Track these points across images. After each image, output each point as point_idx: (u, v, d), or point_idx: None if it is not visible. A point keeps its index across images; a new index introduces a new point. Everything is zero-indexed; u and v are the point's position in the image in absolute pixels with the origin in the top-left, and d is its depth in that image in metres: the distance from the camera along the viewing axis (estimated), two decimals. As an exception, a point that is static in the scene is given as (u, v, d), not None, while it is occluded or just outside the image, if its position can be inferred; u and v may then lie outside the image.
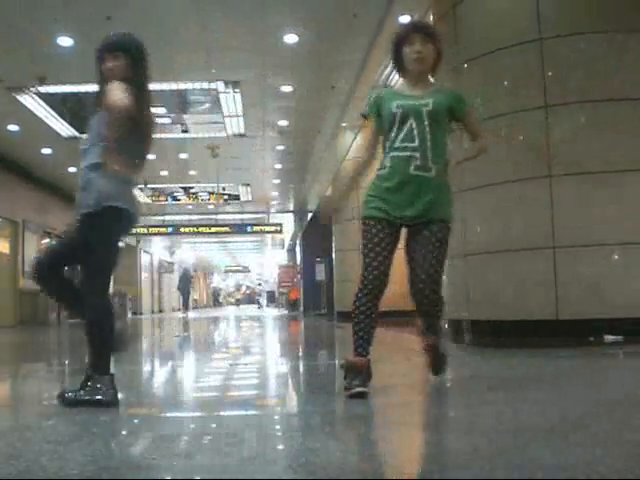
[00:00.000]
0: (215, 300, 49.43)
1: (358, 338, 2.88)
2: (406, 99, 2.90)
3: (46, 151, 13.59)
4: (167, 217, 20.56)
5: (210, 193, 18.02)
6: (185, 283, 22.80)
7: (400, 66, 3.01)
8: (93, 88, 11.03)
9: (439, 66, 3.03)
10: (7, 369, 4.82)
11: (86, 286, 2.77)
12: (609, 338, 4.81)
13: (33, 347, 7.90)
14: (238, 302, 51.19)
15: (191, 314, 22.20)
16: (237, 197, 19.28)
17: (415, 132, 2.83)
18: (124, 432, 2.28)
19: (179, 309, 32.89)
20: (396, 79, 9.89)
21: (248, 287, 62.91)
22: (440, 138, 2.88)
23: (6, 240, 14.56)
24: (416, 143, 2.83)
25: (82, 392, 2.66)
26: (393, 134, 2.89)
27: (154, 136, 2.98)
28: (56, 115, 11.25)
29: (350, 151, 13.42)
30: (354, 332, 2.89)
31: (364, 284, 2.86)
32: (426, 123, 2.83)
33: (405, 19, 7.71)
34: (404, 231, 2.99)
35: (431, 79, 3.08)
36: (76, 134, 12.30)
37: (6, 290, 14.10)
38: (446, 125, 2.96)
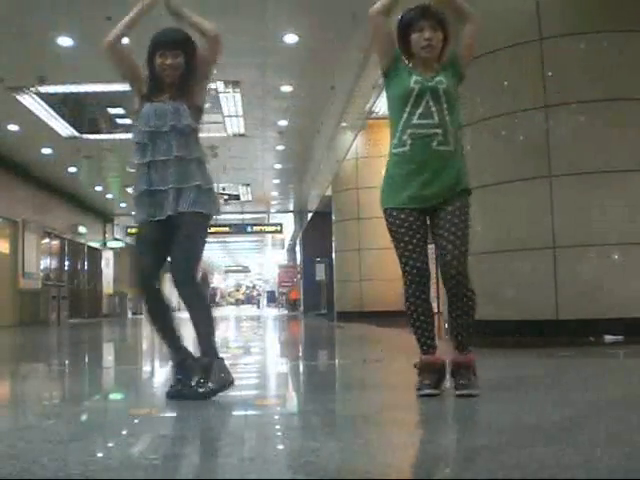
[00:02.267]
0: (211, 300, 49.19)
1: (420, 336, 2.81)
2: (421, 76, 2.79)
3: (46, 151, 13.59)
4: (167, 217, 20.50)
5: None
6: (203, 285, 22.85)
7: (407, 51, 2.91)
8: (93, 88, 10.98)
9: (446, 51, 2.93)
10: (7, 369, 4.82)
11: (187, 277, 2.77)
12: (609, 338, 4.81)
13: (33, 347, 7.90)
14: (238, 302, 51.01)
15: (187, 314, 22.16)
16: (237, 197, 19.28)
17: (433, 109, 2.73)
18: (124, 432, 2.27)
19: (179, 309, 32.76)
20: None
21: (248, 287, 62.90)
22: (456, 110, 2.82)
23: (6, 240, 14.55)
24: (436, 120, 2.74)
25: (211, 384, 2.64)
26: (407, 110, 2.76)
27: None
28: (56, 115, 11.24)
29: (350, 151, 13.45)
30: (414, 331, 2.82)
31: (410, 280, 2.77)
32: (443, 100, 2.75)
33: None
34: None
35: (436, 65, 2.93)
36: (76, 134, 12.31)
37: (6, 290, 14.10)
38: (458, 94, 2.88)
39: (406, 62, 2.92)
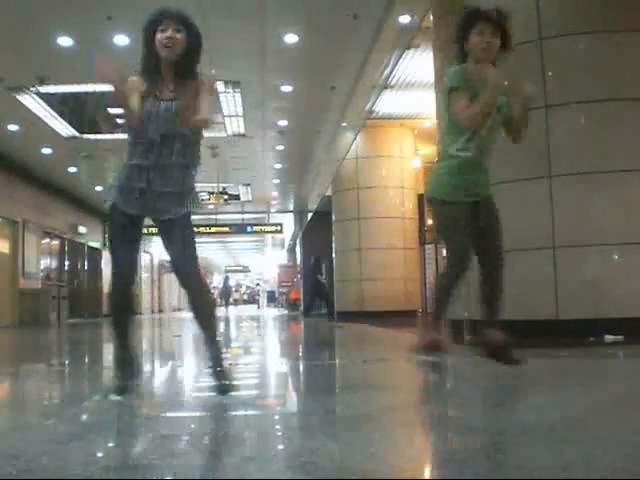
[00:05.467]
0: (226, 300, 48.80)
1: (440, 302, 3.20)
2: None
3: (46, 151, 13.59)
4: (167, 217, 20.50)
5: (210, 193, 18.01)
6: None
7: (463, 52, 3.03)
8: (93, 88, 10.96)
9: (502, 54, 3.10)
10: (7, 369, 4.82)
11: (196, 269, 2.85)
12: (609, 338, 4.81)
13: (33, 347, 7.90)
14: (236, 302, 50.80)
15: (188, 314, 22.22)
16: (237, 197, 19.27)
17: (488, 124, 2.99)
18: (124, 432, 2.27)
19: (179, 309, 32.86)
20: (395, 79, 9.89)
21: (249, 287, 62.79)
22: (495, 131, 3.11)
23: (6, 240, 14.55)
24: (479, 143, 3.04)
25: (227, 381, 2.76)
26: (466, 134, 2.99)
27: None
28: (56, 115, 11.25)
29: (350, 151, 13.45)
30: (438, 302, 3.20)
31: (460, 261, 3.13)
32: (496, 119, 3.01)
33: (405, 19, 7.71)
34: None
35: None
36: (76, 134, 12.31)
37: (6, 290, 14.10)
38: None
39: (469, 71, 3.01)
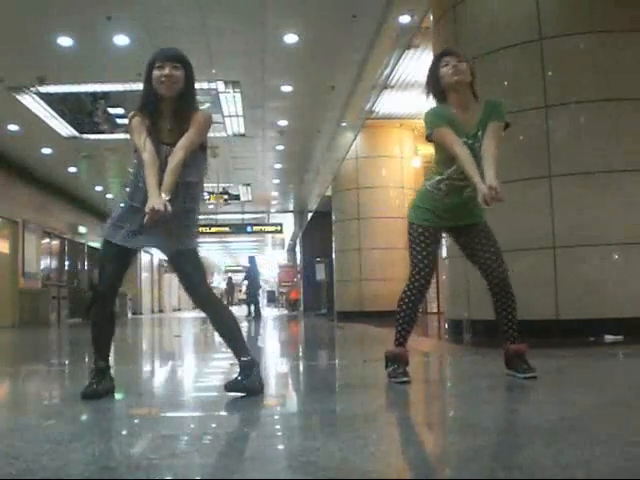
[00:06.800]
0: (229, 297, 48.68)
1: (400, 328, 3.22)
2: (466, 137, 3.05)
3: (46, 151, 13.59)
4: (167, 217, 20.49)
5: (210, 193, 18.01)
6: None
7: (440, 91, 3.15)
8: (93, 88, 10.96)
9: (476, 86, 3.18)
10: (7, 369, 4.82)
11: (208, 291, 2.99)
12: (609, 338, 4.82)
13: (33, 347, 7.90)
14: (242, 302, 50.54)
15: (188, 314, 22.15)
16: (237, 197, 19.27)
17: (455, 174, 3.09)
18: (124, 432, 2.28)
19: (179, 309, 32.85)
20: (395, 79, 9.90)
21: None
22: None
23: (6, 240, 14.55)
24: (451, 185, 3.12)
25: (246, 381, 2.79)
26: (452, 166, 3.08)
27: None
28: (56, 115, 11.25)
29: (350, 151, 13.45)
30: (398, 325, 3.22)
31: (417, 280, 3.18)
32: (478, 158, 3.05)
33: (405, 19, 7.71)
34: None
35: (473, 101, 3.17)
36: (76, 134, 12.31)
37: (6, 290, 14.11)
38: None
39: (449, 111, 3.11)
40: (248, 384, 2.79)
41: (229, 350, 2.96)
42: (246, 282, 17.00)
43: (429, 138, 3.14)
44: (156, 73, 2.76)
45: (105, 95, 10.51)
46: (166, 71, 2.74)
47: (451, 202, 3.15)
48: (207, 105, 11.42)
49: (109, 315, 3.00)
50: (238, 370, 2.86)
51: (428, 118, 3.14)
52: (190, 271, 2.90)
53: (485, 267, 3.19)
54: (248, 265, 17.50)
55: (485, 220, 3.24)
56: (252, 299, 16.60)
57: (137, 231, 2.80)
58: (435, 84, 3.16)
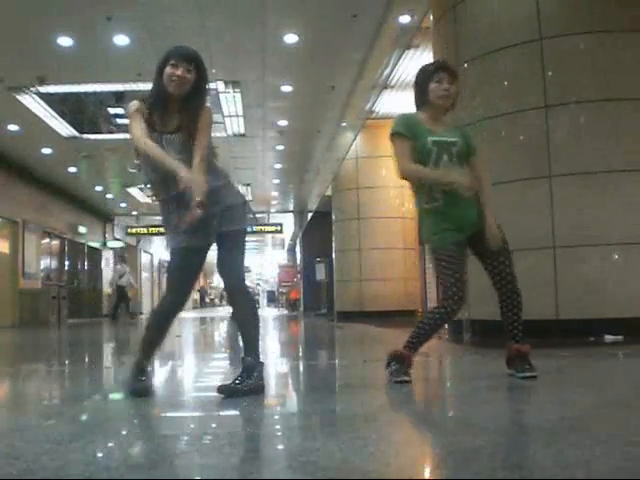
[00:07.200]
0: (202, 300, 48.44)
1: (421, 338, 3.18)
2: (437, 136, 3.12)
3: (46, 151, 13.58)
4: (167, 217, 20.49)
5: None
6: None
7: (423, 100, 3.23)
8: (93, 88, 10.95)
9: (456, 103, 3.25)
10: (7, 369, 4.82)
11: (243, 283, 2.97)
12: (609, 338, 4.82)
13: (33, 347, 7.90)
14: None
15: (188, 314, 22.13)
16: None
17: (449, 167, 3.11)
18: (124, 432, 2.28)
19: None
20: (395, 79, 9.90)
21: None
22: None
23: (6, 240, 14.55)
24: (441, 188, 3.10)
25: (248, 382, 2.79)
26: (429, 167, 3.10)
27: None
28: (56, 115, 11.25)
29: (350, 151, 13.45)
30: (420, 334, 3.17)
31: (451, 297, 3.09)
32: (455, 160, 3.11)
33: (405, 19, 7.72)
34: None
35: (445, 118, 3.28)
36: (76, 134, 12.30)
37: (6, 290, 14.10)
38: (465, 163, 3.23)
39: (417, 118, 3.21)
40: (244, 387, 2.78)
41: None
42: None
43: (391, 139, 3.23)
44: (168, 70, 2.77)
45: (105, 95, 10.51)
46: (178, 72, 2.76)
47: (453, 207, 3.12)
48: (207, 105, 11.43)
49: (170, 322, 3.02)
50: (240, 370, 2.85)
51: (396, 120, 3.25)
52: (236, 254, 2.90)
53: (492, 268, 3.23)
54: None
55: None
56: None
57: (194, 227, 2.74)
58: (421, 95, 3.24)
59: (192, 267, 2.92)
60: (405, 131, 3.13)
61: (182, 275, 2.92)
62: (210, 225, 2.79)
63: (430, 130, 3.14)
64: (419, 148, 3.10)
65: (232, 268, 2.91)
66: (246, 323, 2.92)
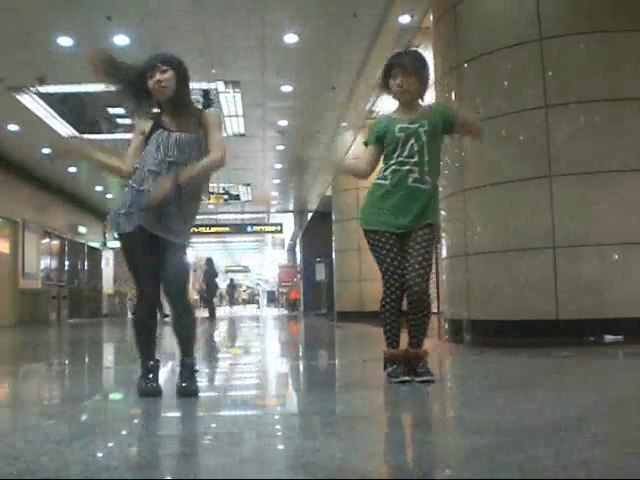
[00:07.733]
0: (202, 300, 48.56)
1: (387, 332, 3.22)
2: (405, 123, 3.21)
3: (46, 151, 13.58)
4: (167, 217, 20.49)
5: (210, 193, 18.02)
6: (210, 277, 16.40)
7: (389, 94, 3.35)
8: (93, 88, 10.93)
9: (426, 91, 3.30)
10: (7, 369, 4.82)
11: (181, 292, 2.98)
12: (609, 338, 4.81)
13: (33, 347, 7.90)
14: (244, 301, 50.47)
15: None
16: (237, 197, 19.27)
17: (415, 149, 3.17)
18: (124, 432, 2.28)
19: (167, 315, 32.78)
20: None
21: (249, 287, 62.79)
22: (436, 154, 3.23)
23: (6, 240, 14.55)
24: (415, 159, 3.15)
25: (186, 383, 2.86)
26: (397, 152, 3.19)
27: None
28: (56, 115, 11.24)
29: (350, 151, 13.44)
30: (384, 329, 3.24)
31: (388, 288, 3.17)
32: (424, 140, 3.16)
33: (405, 19, 7.71)
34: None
35: (420, 102, 3.33)
36: (76, 134, 12.30)
37: (6, 290, 14.10)
38: (441, 141, 3.31)
39: (388, 116, 3.35)
40: (192, 385, 2.85)
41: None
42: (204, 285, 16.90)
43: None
44: (149, 82, 2.89)
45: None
46: (156, 77, 2.87)
47: (398, 189, 3.14)
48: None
49: (152, 315, 3.04)
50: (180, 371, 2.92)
51: (370, 131, 3.37)
52: (176, 263, 2.91)
53: (406, 273, 3.14)
54: (205, 267, 17.21)
55: (436, 224, 3.25)
56: (208, 302, 16.58)
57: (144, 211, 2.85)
58: (386, 89, 3.32)
59: (136, 258, 2.93)
60: (369, 139, 3.31)
61: (134, 269, 2.95)
62: (153, 214, 2.84)
63: (399, 119, 3.24)
64: (390, 138, 3.21)
65: (167, 275, 2.91)
66: (178, 328, 2.99)
